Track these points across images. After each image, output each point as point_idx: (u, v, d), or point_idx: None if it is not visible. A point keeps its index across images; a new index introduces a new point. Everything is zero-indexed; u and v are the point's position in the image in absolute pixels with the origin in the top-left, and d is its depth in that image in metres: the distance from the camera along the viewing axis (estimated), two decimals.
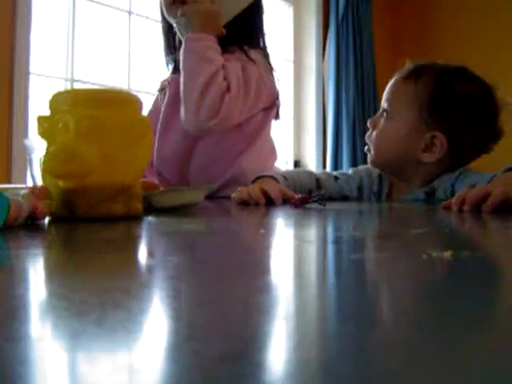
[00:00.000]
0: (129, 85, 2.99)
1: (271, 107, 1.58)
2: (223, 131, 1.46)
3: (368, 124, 1.31)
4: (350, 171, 1.41)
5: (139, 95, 0.80)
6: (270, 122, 1.62)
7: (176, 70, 1.57)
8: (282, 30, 4.00)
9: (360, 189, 1.36)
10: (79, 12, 2.81)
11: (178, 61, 1.53)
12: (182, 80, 1.43)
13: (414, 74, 1.26)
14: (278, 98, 1.60)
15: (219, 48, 1.46)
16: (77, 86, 2.77)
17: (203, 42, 1.43)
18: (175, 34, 1.57)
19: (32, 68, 2.46)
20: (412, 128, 1.25)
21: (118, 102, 0.76)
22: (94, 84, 2.86)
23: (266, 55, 1.58)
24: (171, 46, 1.62)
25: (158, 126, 1.56)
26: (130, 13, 3.06)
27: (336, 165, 4.02)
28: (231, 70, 1.43)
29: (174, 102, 1.52)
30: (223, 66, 1.42)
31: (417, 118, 1.24)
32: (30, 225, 0.66)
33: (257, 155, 1.54)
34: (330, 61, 4.09)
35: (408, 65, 1.31)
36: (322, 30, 4.19)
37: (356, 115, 4.03)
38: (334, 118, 4.07)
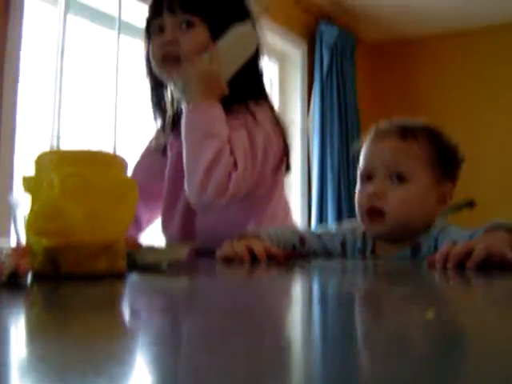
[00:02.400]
0: (115, 140, 3.00)
1: (280, 164, 1.49)
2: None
3: (376, 191, 1.23)
4: (333, 228, 1.40)
5: (125, 153, 0.81)
6: (281, 180, 1.53)
7: (172, 128, 1.50)
8: (267, 86, 4.05)
9: (343, 245, 1.36)
10: (67, 67, 2.83)
11: (175, 120, 1.48)
12: (184, 153, 1.36)
13: (409, 134, 1.27)
14: (286, 151, 1.49)
15: (223, 115, 1.36)
16: (63, 142, 2.78)
17: (207, 114, 1.34)
18: (164, 88, 1.50)
19: (18, 124, 2.46)
20: (430, 185, 1.27)
21: (103, 161, 0.76)
22: (79, 141, 2.87)
23: (271, 107, 1.50)
24: (160, 101, 1.53)
25: (164, 192, 1.51)
26: (117, 69, 3.09)
27: (321, 221, 4.04)
28: (238, 142, 1.34)
29: (177, 166, 1.45)
30: (229, 139, 1.33)
31: (432, 175, 1.27)
32: (12, 283, 0.66)
33: (271, 220, 1.48)
34: (315, 116, 4.15)
35: (385, 126, 1.31)
36: (306, 85, 4.25)
37: (341, 171, 4.07)
38: (318, 173, 4.10)
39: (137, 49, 3.21)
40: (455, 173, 1.32)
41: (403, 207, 1.24)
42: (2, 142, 2.37)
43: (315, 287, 0.73)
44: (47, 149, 2.67)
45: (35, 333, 0.39)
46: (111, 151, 2.91)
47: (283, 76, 4.22)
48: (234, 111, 1.41)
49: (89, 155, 0.77)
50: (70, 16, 2.86)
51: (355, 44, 4.53)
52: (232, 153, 1.33)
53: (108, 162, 0.77)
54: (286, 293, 0.65)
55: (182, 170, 1.44)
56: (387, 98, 5.05)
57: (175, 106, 1.53)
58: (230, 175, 1.32)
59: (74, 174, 0.72)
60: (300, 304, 0.54)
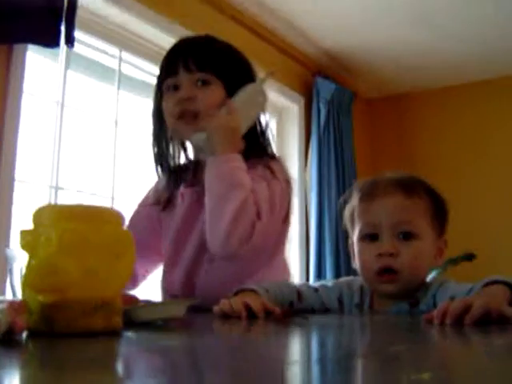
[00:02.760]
0: (113, 193, 3.01)
1: (287, 216, 1.51)
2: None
3: (392, 250, 1.24)
4: (330, 283, 1.40)
5: (123, 204, 0.82)
6: (287, 232, 1.56)
7: (179, 179, 1.54)
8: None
9: (340, 300, 1.35)
10: (66, 120, 2.87)
11: (185, 172, 1.53)
12: (208, 204, 1.37)
13: (412, 190, 1.29)
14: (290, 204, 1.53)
15: (245, 167, 1.39)
16: (61, 193, 2.79)
17: (232, 164, 1.37)
18: (169, 141, 1.54)
19: (17, 174, 2.48)
20: (432, 239, 1.28)
21: (100, 217, 0.77)
22: (78, 192, 2.88)
23: (281, 161, 1.55)
24: (164, 153, 1.56)
25: (169, 243, 1.52)
26: (116, 122, 3.12)
27: (319, 275, 4.02)
28: (260, 193, 1.38)
29: (187, 216, 1.49)
30: (252, 190, 1.36)
31: (433, 229, 1.29)
32: (7, 340, 0.65)
33: (276, 272, 1.50)
34: (312, 171, 4.17)
35: (382, 182, 1.32)
36: (304, 140, 4.29)
37: (339, 225, 4.06)
38: (316, 227, 4.10)
39: (135, 103, 3.26)
40: (446, 226, 1.34)
41: (415, 265, 1.25)
42: (1, 194, 2.38)
43: (313, 346, 0.72)
44: (46, 200, 2.68)
45: None
46: (109, 203, 2.92)
47: (281, 130, 4.26)
48: (252, 164, 1.44)
49: (86, 210, 0.77)
50: (69, 72, 2.90)
51: (352, 99, 4.58)
52: (256, 203, 1.36)
53: (105, 218, 0.78)
54: (285, 352, 0.64)
55: (191, 221, 1.47)
56: (384, 152, 5.09)
57: (180, 157, 1.57)
58: (254, 225, 1.34)
59: (71, 230, 0.73)
60: (298, 363, 0.53)
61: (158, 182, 1.63)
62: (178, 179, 1.55)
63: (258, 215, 1.36)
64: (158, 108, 1.53)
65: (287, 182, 1.51)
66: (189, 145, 1.57)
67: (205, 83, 1.44)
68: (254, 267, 1.48)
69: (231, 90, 1.46)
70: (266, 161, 1.48)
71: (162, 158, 1.57)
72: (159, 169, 1.58)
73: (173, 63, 1.47)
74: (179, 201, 1.53)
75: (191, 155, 1.58)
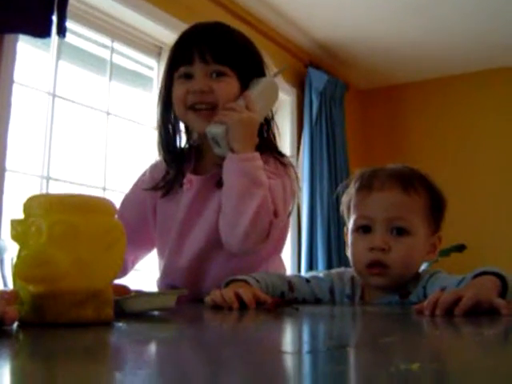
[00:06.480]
0: (104, 184, 3.00)
1: (290, 212, 1.51)
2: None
3: (383, 245, 1.24)
4: (322, 274, 1.40)
5: (114, 194, 0.81)
6: (288, 227, 1.57)
7: (182, 167, 1.52)
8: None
9: (332, 291, 1.36)
10: (58, 110, 2.86)
11: (188, 159, 1.52)
12: (228, 201, 1.37)
13: (409, 185, 1.28)
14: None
15: (262, 164, 1.39)
16: (53, 184, 2.78)
17: (253, 163, 1.36)
18: (175, 126, 1.53)
19: (8, 165, 2.47)
20: (426, 236, 1.28)
21: (91, 207, 0.76)
22: (69, 183, 2.87)
23: (287, 156, 1.55)
24: (169, 138, 1.53)
25: (174, 233, 1.48)
26: (108, 113, 3.12)
27: (311, 267, 4.02)
28: (277, 191, 1.38)
29: (196, 204, 1.47)
30: (269, 188, 1.36)
31: (427, 226, 1.29)
32: None
33: (279, 263, 1.52)
34: (304, 162, 4.16)
35: (381, 174, 1.32)
36: (296, 131, 4.28)
37: (330, 217, 4.07)
38: (308, 219, 4.10)
39: (126, 93, 3.25)
40: (442, 223, 1.34)
41: (406, 261, 1.26)
42: None
43: (304, 337, 0.72)
44: (37, 191, 2.67)
45: None
46: (100, 193, 2.91)
47: None
48: (264, 158, 1.43)
49: (77, 201, 0.77)
50: (61, 62, 2.89)
51: (344, 90, 4.58)
52: (273, 201, 1.36)
53: (96, 208, 0.77)
54: (276, 342, 0.64)
55: (199, 209, 1.45)
56: (376, 142, 5.10)
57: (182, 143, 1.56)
58: (272, 223, 1.34)
59: (62, 221, 0.72)
60: (289, 354, 0.53)
61: (153, 167, 1.60)
62: (180, 165, 1.53)
63: (275, 213, 1.36)
64: (166, 93, 1.50)
65: (295, 178, 1.51)
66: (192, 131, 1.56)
67: (219, 75, 1.43)
68: (257, 261, 1.47)
69: (244, 82, 1.46)
70: (276, 156, 1.48)
71: (167, 142, 1.54)
72: (163, 153, 1.55)
73: (187, 51, 1.44)
74: (185, 187, 1.50)
75: (193, 141, 1.56)
